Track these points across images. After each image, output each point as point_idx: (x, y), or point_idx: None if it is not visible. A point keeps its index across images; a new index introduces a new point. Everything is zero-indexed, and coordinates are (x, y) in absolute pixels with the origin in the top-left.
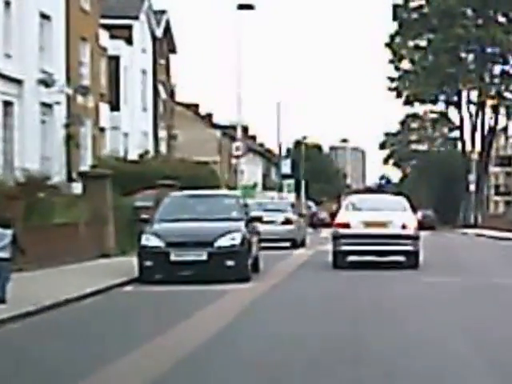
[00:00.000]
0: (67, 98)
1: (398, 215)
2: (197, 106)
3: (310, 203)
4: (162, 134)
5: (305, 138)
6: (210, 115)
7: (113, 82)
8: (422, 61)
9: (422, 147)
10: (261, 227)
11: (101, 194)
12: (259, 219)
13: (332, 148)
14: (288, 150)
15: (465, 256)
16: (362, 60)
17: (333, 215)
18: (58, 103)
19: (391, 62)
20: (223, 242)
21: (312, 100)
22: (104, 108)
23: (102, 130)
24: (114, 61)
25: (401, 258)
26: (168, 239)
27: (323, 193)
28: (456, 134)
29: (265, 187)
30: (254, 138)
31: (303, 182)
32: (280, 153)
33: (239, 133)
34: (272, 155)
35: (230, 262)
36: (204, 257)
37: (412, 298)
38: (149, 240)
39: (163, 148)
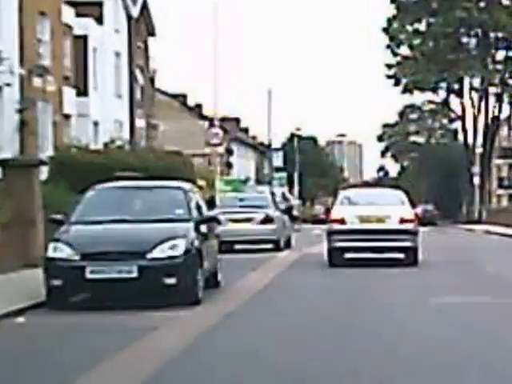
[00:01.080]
0: (20, 80)
1: (396, 210)
2: (184, 96)
3: (288, 195)
4: (140, 123)
5: (298, 129)
6: (199, 106)
7: (80, 64)
8: (421, 46)
9: (421, 139)
10: (236, 226)
11: (26, 188)
12: (215, 220)
13: (329, 142)
14: (285, 145)
15: (483, 260)
16: (358, 48)
17: (328, 210)
18: (8, 85)
19: (388, 47)
20: (160, 252)
21: (308, 92)
22: (69, 92)
23: (67, 116)
24: (82, 41)
25: (400, 255)
26: (83, 249)
27: (319, 187)
28: (456, 124)
29: (258, 181)
30: (246, 130)
31: (296, 175)
32: (270, 143)
33: (216, 119)
34: (265, 148)
35: (169, 280)
36: (133, 273)
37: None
38: (57, 250)
39: (143, 139)
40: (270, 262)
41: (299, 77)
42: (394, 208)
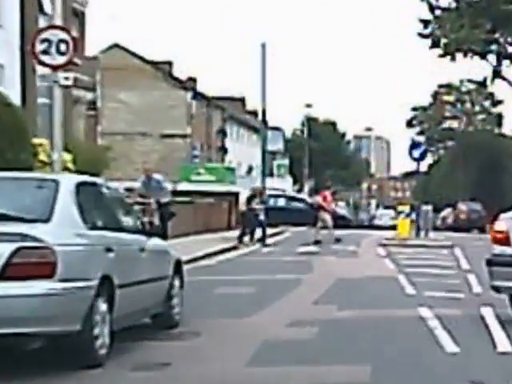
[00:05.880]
0: None
1: None
2: (170, 63)
3: (157, 177)
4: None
5: (309, 105)
6: (192, 79)
7: None
8: None
9: (459, 125)
10: None
11: None
12: None
13: (356, 137)
14: (309, 133)
15: None
16: (387, 24)
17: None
18: None
19: None
20: None
21: (327, 77)
22: None
23: None
24: None
25: None
26: None
27: (338, 180)
28: (501, 108)
29: (264, 172)
30: (255, 113)
31: (306, 163)
32: (264, 118)
33: (58, 11)
34: (261, 122)
35: None
36: None
37: None
38: None
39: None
40: None
41: (321, 60)
42: None
